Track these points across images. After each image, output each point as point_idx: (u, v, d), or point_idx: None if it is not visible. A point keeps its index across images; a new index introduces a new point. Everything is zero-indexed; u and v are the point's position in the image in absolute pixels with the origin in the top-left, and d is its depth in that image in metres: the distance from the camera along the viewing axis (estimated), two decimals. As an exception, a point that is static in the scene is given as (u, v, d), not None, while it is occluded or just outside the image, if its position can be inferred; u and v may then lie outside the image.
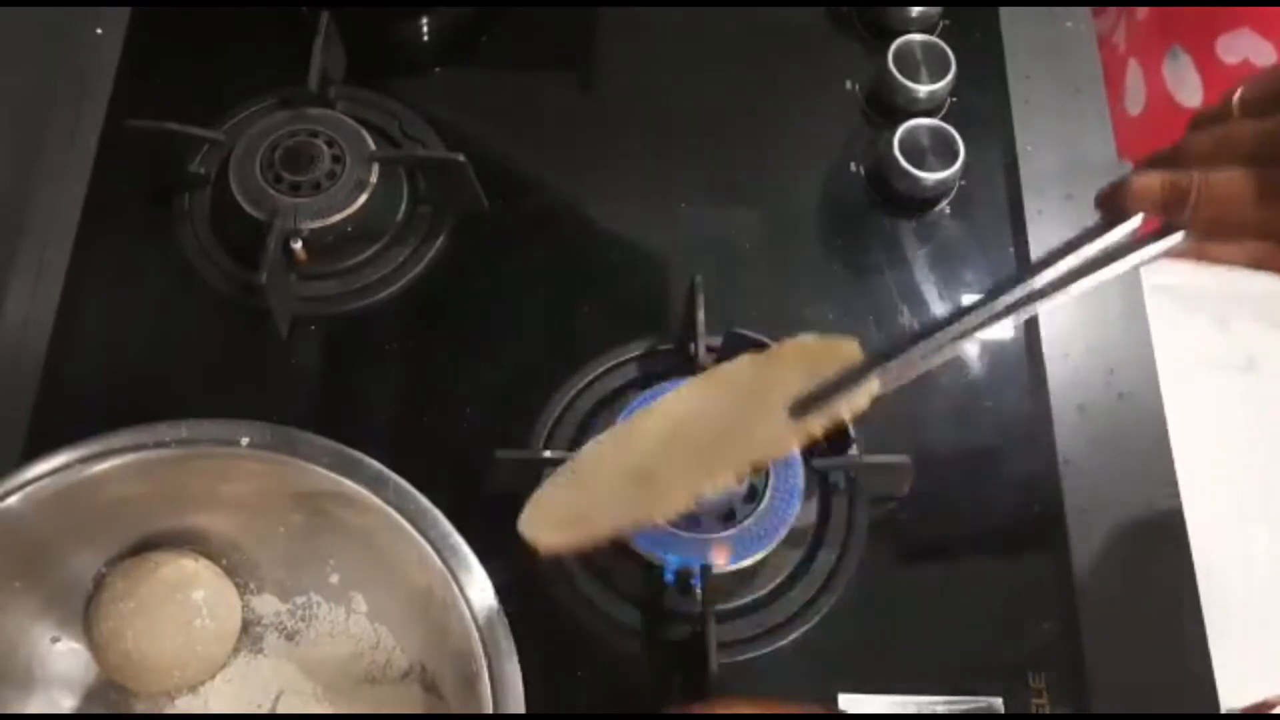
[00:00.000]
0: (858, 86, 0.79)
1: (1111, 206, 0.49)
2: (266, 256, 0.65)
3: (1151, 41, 1.00)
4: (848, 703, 0.61)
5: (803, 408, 0.55)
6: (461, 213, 0.73)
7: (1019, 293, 0.51)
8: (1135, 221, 0.49)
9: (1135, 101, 1.04)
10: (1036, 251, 0.74)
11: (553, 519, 0.55)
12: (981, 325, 0.51)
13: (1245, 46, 0.90)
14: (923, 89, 0.75)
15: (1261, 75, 0.48)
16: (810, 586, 0.63)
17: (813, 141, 0.78)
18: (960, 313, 0.52)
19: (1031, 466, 0.68)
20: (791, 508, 0.62)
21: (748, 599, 0.63)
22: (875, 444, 0.66)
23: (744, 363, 0.58)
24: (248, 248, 0.68)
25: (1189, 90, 0.97)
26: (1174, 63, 0.97)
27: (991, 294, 0.51)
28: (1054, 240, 0.74)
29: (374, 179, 0.69)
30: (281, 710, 0.60)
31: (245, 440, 0.56)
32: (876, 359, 0.52)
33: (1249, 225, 0.47)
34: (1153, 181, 0.48)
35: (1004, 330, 0.72)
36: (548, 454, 0.63)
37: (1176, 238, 0.49)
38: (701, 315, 0.67)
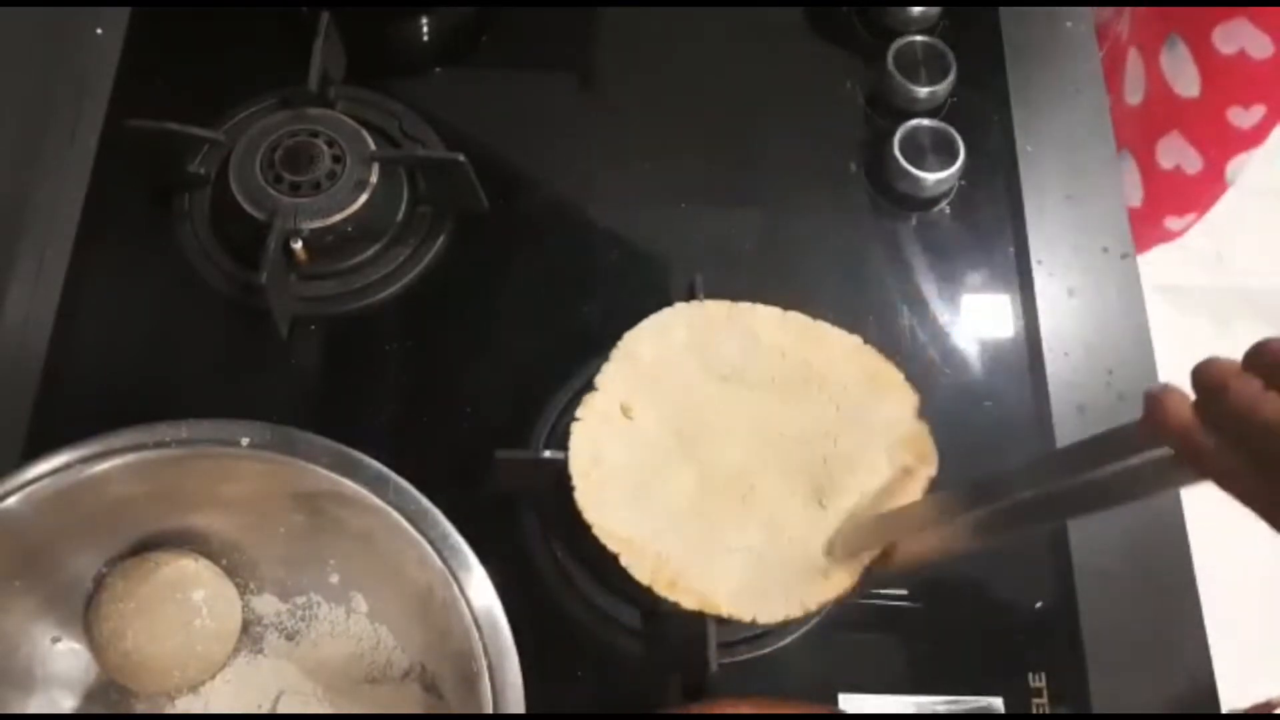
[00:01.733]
0: (858, 86, 0.79)
1: (1146, 415, 0.47)
2: (266, 256, 0.65)
3: (1151, 30, 1.00)
4: (848, 703, 0.61)
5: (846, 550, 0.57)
6: (461, 213, 0.73)
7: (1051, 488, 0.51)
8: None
9: (1134, 91, 1.04)
10: (1036, 251, 0.74)
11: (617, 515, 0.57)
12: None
13: (1242, 37, 0.90)
14: (923, 89, 0.75)
15: None
16: (810, 586, 0.63)
17: (813, 141, 0.78)
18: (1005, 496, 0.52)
19: (1031, 466, 0.68)
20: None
21: (748, 599, 0.63)
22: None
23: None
24: (248, 248, 0.68)
25: (1186, 80, 0.97)
26: (1171, 52, 0.97)
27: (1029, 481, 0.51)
28: (1054, 240, 0.75)
29: (374, 179, 0.69)
30: (281, 710, 0.59)
31: (245, 440, 0.56)
32: (956, 501, 0.54)
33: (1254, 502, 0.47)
34: (1178, 423, 0.46)
35: (1004, 329, 0.72)
36: (548, 454, 0.63)
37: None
38: (701, 315, 0.67)
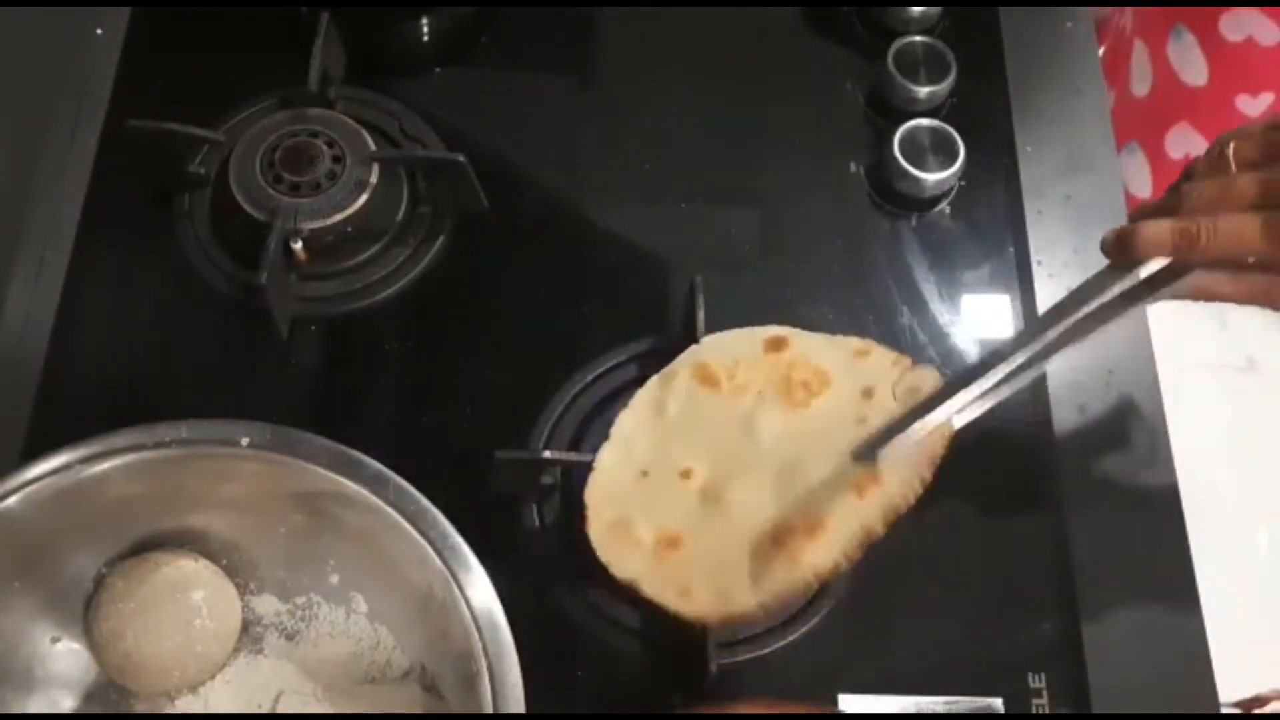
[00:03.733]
0: (858, 86, 0.79)
1: (1121, 252, 0.53)
2: (266, 256, 0.65)
3: (1156, 21, 1.00)
4: (848, 703, 0.61)
5: (869, 449, 0.58)
6: (461, 213, 0.73)
7: (1044, 342, 0.55)
8: (1152, 266, 0.53)
9: (1141, 82, 1.04)
10: (1036, 251, 0.74)
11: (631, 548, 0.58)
12: (1015, 373, 0.56)
13: (1249, 24, 0.90)
14: (923, 89, 0.75)
15: (1251, 131, 0.53)
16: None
17: (813, 141, 0.78)
18: (991, 361, 0.56)
19: (1032, 466, 0.68)
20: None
21: (748, 599, 0.63)
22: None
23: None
24: (248, 248, 0.68)
25: (1194, 70, 0.97)
26: (1178, 42, 0.97)
27: (1010, 349, 0.55)
28: (1054, 240, 0.75)
29: (374, 179, 0.69)
30: (281, 710, 0.59)
31: (245, 440, 0.56)
32: (945, 390, 0.57)
33: (1255, 258, 0.51)
34: (1161, 229, 0.52)
35: (1004, 329, 0.72)
36: (548, 454, 0.63)
37: (1186, 278, 0.53)
38: (701, 315, 0.67)
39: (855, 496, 0.57)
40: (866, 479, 0.57)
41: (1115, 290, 0.54)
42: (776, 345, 0.63)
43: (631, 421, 0.62)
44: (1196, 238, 0.51)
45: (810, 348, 0.63)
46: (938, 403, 0.58)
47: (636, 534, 0.59)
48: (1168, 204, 0.54)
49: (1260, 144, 0.53)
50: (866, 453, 0.58)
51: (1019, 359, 0.56)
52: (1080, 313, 0.55)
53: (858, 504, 0.57)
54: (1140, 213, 0.56)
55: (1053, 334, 0.55)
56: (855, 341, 0.62)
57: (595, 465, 0.61)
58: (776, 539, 0.57)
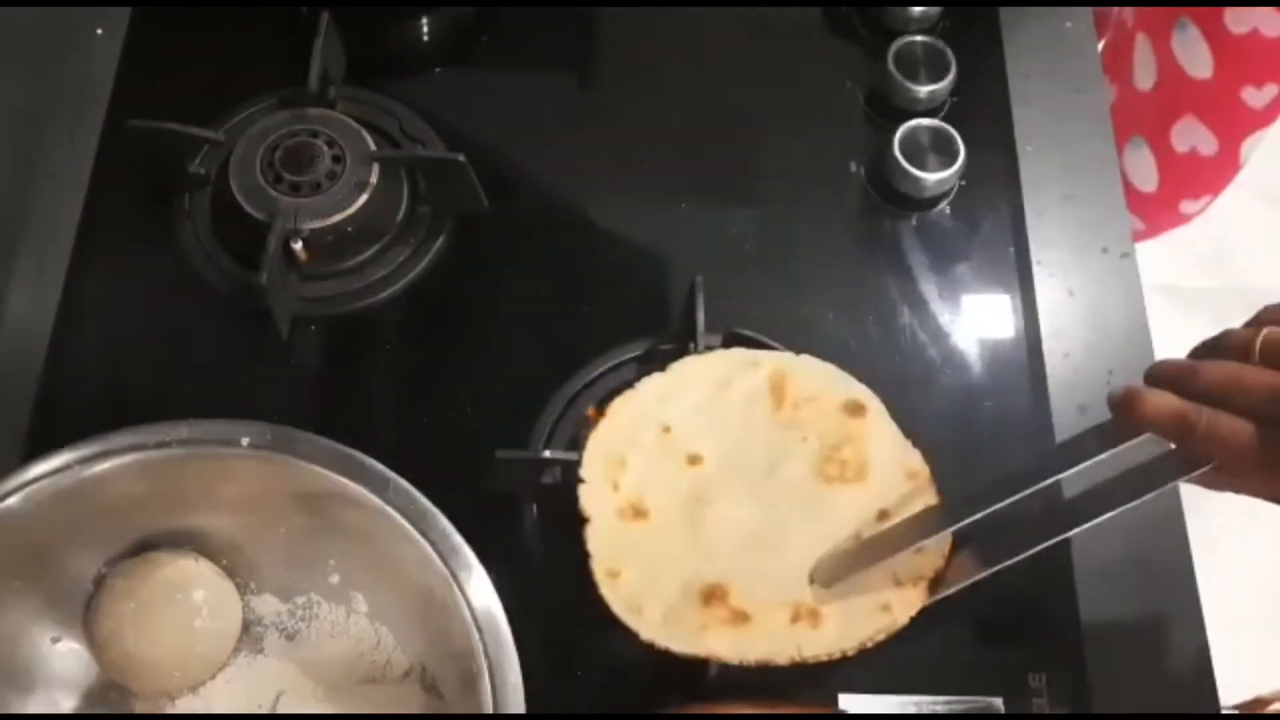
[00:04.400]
0: (858, 87, 0.79)
1: (1124, 413, 0.52)
2: (267, 257, 0.65)
3: (1159, 15, 1.00)
4: (848, 703, 0.61)
5: (828, 573, 0.58)
6: (461, 213, 0.73)
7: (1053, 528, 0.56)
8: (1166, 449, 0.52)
9: (1145, 76, 1.03)
10: (1036, 251, 0.74)
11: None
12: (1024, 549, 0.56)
13: (1254, 16, 0.90)
14: (923, 89, 0.75)
15: None
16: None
17: (813, 141, 0.78)
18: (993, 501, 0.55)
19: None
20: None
21: (748, 599, 0.63)
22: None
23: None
24: (248, 248, 0.68)
25: (1200, 63, 0.96)
26: (1183, 35, 0.97)
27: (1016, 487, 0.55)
28: (1054, 240, 0.75)
29: (374, 179, 0.69)
30: (281, 710, 0.60)
31: (245, 440, 0.56)
32: (926, 524, 0.57)
33: (1252, 473, 0.49)
34: (1165, 407, 0.50)
35: (1004, 329, 0.72)
36: (548, 454, 0.63)
37: (1203, 470, 0.52)
38: (701, 315, 0.67)
39: (791, 617, 0.56)
40: (815, 611, 0.57)
41: (1139, 457, 0.53)
42: (854, 410, 0.61)
43: (696, 370, 0.62)
44: (1194, 428, 0.49)
45: (875, 432, 0.61)
46: (914, 538, 0.57)
47: (620, 478, 0.59)
48: (1184, 373, 0.51)
49: None
50: (823, 575, 0.58)
51: (1014, 496, 0.54)
52: (1082, 463, 0.54)
53: (791, 628, 0.56)
54: (1155, 373, 0.53)
55: (1050, 478, 0.54)
56: (916, 461, 0.61)
57: (637, 386, 0.60)
58: (708, 595, 0.57)
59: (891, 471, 0.60)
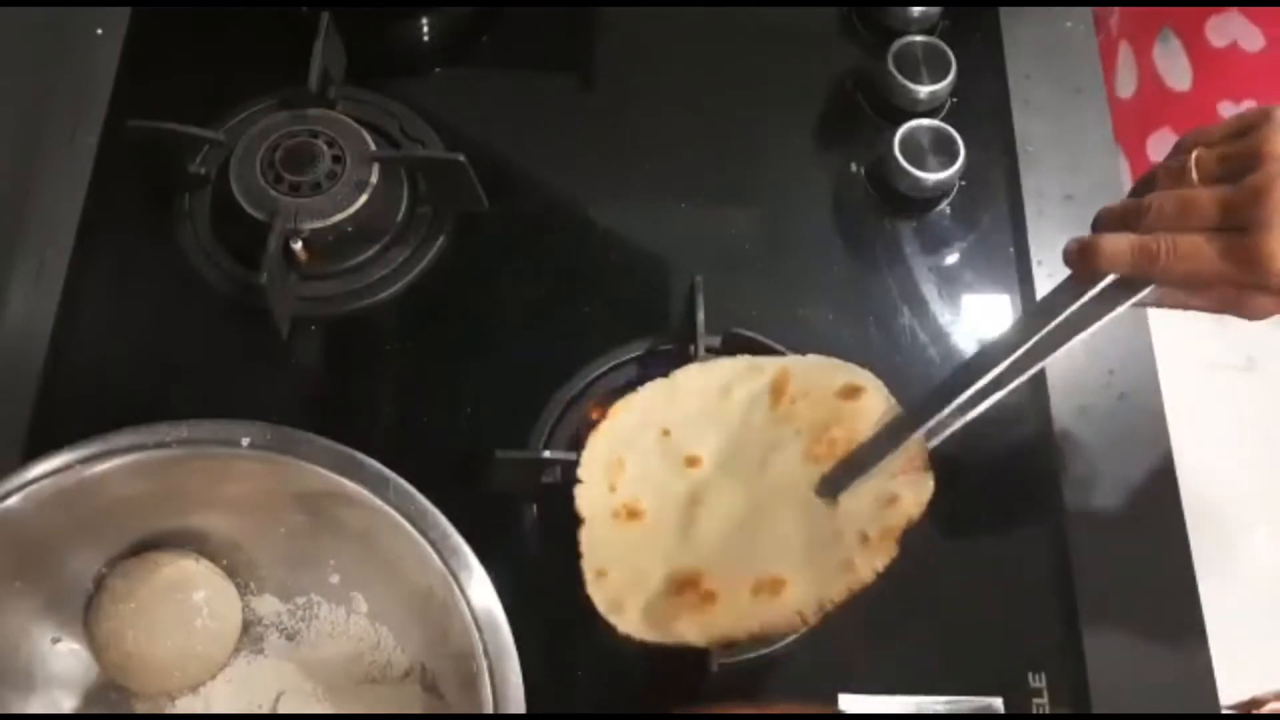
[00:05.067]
0: (858, 87, 0.79)
1: (1082, 265, 0.55)
2: (267, 256, 0.65)
3: (1143, 23, 1.00)
4: (848, 703, 0.61)
5: (834, 484, 0.58)
6: (461, 213, 0.73)
7: (1015, 356, 0.57)
8: (1107, 280, 0.55)
9: (1126, 84, 1.03)
10: (1036, 251, 0.74)
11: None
12: (987, 390, 0.57)
13: (1234, 30, 0.90)
14: (923, 89, 0.75)
15: (1211, 137, 0.54)
16: (810, 586, 0.63)
17: (813, 141, 0.78)
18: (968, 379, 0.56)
19: (1031, 466, 0.68)
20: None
21: (748, 599, 0.63)
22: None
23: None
24: (248, 248, 0.68)
25: (1178, 74, 0.96)
26: (1164, 46, 0.97)
27: (990, 359, 0.56)
28: (1054, 240, 0.75)
29: (374, 179, 0.69)
30: (281, 710, 0.60)
31: (245, 440, 0.56)
32: (910, 418, 0.57)
33: (1214, 280, 0.52)
34: (1121, 245, 0.53)
35: (1004, 329, 0.72)
36: (548, 454, 0.63)
37: (1148, 290, 0.54)
38: (701, 315, 0.67)
39: (753, 590, 0.56)
40: (777, 580, 0.56)
41: (1084, 298, 0.55)
42: (849, 393, 0.60)
43: (699, 378, 0.62)
44: (1156, 256, 0.52)
45: (869, 409, 0.60)
46: (902, 433, 0.57)
47: (617, 479, 0.59)
48: (1130, 210, 0.55)
49: (1220, 156, 0.53)
50: (828, 490, 0.58)
51: (989, 376, 0.56)
52: (1051, 323, 0.56)
53: (753, 600, 0.56)
54: (1102, 218, 0.57)
55: (1024, 346, 0.56)
56: (916, 445, 0.59)
57: (640, 390, 0.61)
58: (681, 584, 0.57)
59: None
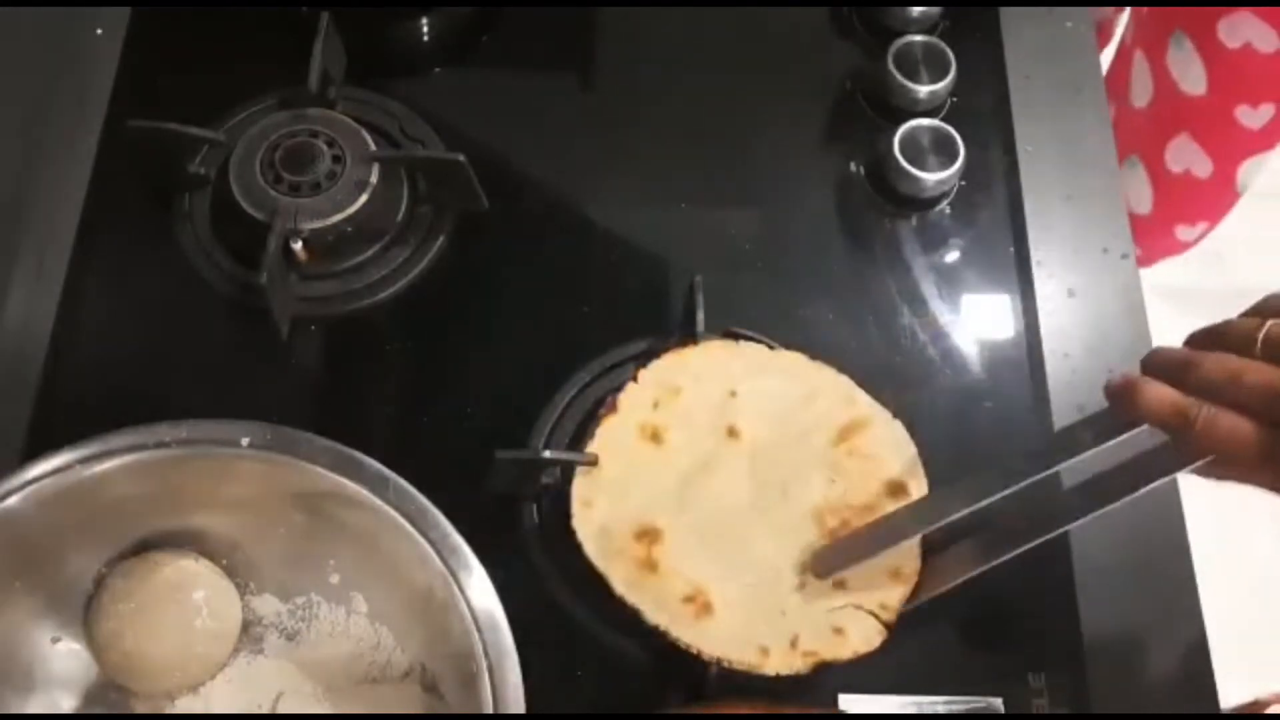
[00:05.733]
0: (858, 87, 0.79)
1: (1121, 405, 0.51)
2: (267, 257, 0.65)
3: (1156, 29, 0.99)
4: (848, 703, 0.61)
5: (824, 562, 0.58)
6: (461, 213, 0.73)
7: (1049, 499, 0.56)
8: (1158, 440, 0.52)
9: (1141, 94, 1.03)
10: (1036, 251, 0.74)
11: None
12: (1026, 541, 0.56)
13: (1247, 31, 0.90)
14: (923, 89, 0.75)
15: None
16: (810, 586, 0.63)
17: (813, 141, 0.78)
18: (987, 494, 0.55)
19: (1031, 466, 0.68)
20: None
21: (748, 599, 0.63)
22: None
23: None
24: (248, 248, 0.68)
25: (1193, 79, 0.96)
26: (1178, 50, 0.96)
27: (1016, 475, 0.55)
28: (1054, 240, 0.75)
29: (374, 179, 0.69)
30: (281, 710, 0.59)
31: (245, 440, 0.56)
32: (921, 514, 0.58)
33: (1254, 466, 0.47)
34: (1163, 399, 0.49)
35: (1004, 329, 0.72)
36: (548, 454, 0.63)
37: (1202, 462, 0.50)
38: (701, 315, 0.67)
39: (683, 596, 0.58)
40: (709, 604, 0.57)
41: (1137, 457, 0.53)
42: (894, 490, 0.61)
43: (798, 369, 0.62)
44: (1192, 424, 0.48)
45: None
46: (904, 531, 0.57)
47: (664, 401, 0.60)
48: (1181, 364, 0.50)
49: None
50: (823, 568, 0.58)
51: (1008, 490, 0.54)
52: (1080, 454, 0.53)
53: (680, 605, 0.58)
54: (1153, 362, 0.52)
55: (1048, 470, 0.54)
56: (910, 568, 0.60)
57: (742, 344, 0.62)
58: (643, 533, 0.58)
59: (877, 568, 0.59)
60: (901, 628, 0.63)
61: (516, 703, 0.52)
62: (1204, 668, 0.63)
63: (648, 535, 0.59)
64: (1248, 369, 0.48)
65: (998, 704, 0.61)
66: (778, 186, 0.76)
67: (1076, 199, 0.76)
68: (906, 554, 0.59)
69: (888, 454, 0.61)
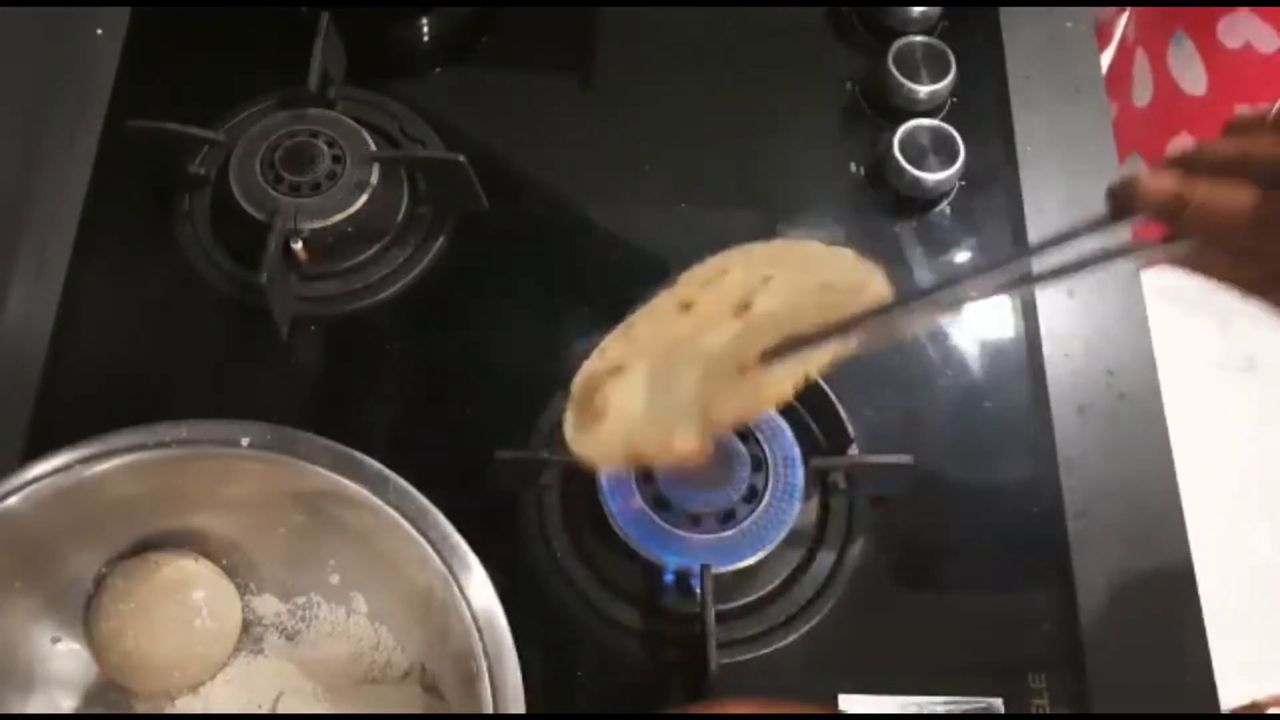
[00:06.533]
0: (858, 87, 0.79)
1: (1118, 202, 0.49)
2: (267, 257, 0.65)
3: (1156, 29, 0.99)
4: (848, 703, 0.61)
5: (775, 354, 0.56)
6: (461, 213, 0.73)
7: (1015, 270, 0.52)
8: (1134, 220, 0.49)
9: (1142, 93, 1.03)
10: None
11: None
12: (974, 296, 0.53)
13: (1247, 31, 0.90)
14: (923, 89, 0.75)
15: None
16: (810, 586, 0.64)
17: (813, 141, 0.78)
18: (954, 279, 0.53)
19: (1031, 467, 0.68)
20: (791, 508, 0.62)
21: (748, 599, 0.63)
22: (875, 444, 0.66)
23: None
24: (248, 248, 0.68)
25: (1193, 78, 0.96)
26: (1178, 50, 0.96)
27: (987, 266, 0.53)
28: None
29: (374, 179, 0.69)
30: (281, 710, 0.60)
31: (245, 440, 0.56)
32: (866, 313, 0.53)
33: (1235, 241, 0.46)
34: (1163, 184, 0.47)
35: (1004, 329, 0.72)
36: (547, 454, 0.63)
37: (1176, 245, 0.48)
38: (701, 315, 0.67)
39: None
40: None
41: (1106, 239, 0.50)
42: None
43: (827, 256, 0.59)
44: (1188, 201, 0.45)
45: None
46: (859, 321, 0.54)
47: (716, 278, 0.58)
48: (1194, 149, 0.48)
49: None
50: (774, 357, 0.55)
51: (1000, 278, 0.52)
52: (1069, 252, 0.50)
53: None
54: (1166, 157, 0.49)
55: (1036, 265, 0.51)
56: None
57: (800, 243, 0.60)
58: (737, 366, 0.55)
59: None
60: (902, 628, 0.63)
61: (516, 703, 0.52)
62: (1204, 667, 0.63)
63: (616, 369, 0.57)
64: (1257, 141, 0.46)
65: (998, 704, 0.61)
66: (778, 186, 0.76)
67: (1076, 199, 0.76)
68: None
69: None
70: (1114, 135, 0.79)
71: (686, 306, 0.60)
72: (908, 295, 0.53)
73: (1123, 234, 0.50)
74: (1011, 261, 0.52)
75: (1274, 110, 0.47)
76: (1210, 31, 0.92)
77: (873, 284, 0.59)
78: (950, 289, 0.53)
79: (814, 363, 0.55)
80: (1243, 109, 0.51)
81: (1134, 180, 0.48)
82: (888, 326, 0.54)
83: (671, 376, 0.58)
